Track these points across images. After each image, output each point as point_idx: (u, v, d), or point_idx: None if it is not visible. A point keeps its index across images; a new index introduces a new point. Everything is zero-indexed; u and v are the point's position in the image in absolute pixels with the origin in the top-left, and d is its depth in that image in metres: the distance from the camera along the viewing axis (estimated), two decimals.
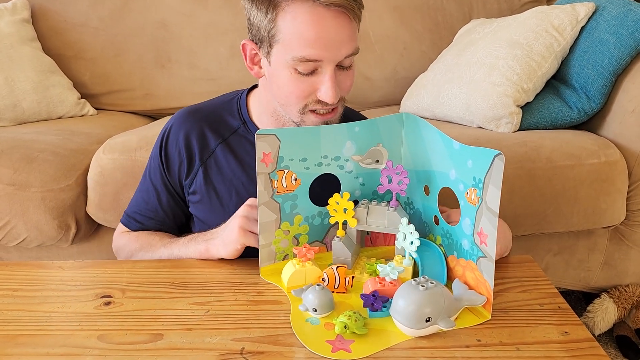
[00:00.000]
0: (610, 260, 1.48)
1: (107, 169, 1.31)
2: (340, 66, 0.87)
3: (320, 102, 0.88)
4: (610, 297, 1.47)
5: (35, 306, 0.76)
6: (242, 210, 0.85)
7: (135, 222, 1.06)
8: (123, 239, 1.06)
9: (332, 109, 0.90)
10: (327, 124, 0.89)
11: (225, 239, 0.86)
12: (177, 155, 1.00)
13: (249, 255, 0.87)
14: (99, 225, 1.41)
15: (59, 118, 1.72)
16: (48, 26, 1.85)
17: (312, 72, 0.85)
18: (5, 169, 1.30)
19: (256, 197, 0.82)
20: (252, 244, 0.84)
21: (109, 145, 1.36)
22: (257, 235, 0.83)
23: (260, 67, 0.92)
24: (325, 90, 0.85)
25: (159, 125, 1.48)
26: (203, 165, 0.99)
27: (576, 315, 0.74)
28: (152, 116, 1.91)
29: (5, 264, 0.90)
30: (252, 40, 0.90)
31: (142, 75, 1.86)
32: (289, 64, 0.85)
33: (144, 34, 1.87)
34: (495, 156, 0.67)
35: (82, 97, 1.80)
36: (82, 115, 1.77)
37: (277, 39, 0.84)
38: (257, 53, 0.91)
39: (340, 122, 0.86)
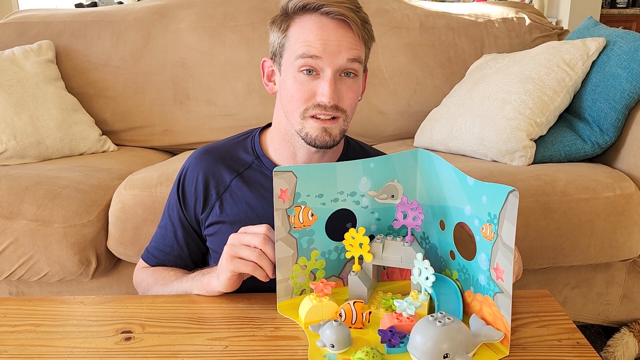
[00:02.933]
0: (630, 294, 1.46)
1: (128, 204, 1.34)
2: (343, 75, 0.92)
3: (319, 106, 0.92)
4: (630, 331, 1.45)
5: (58, 341, 0.77)
6: (230, 237, 0.86)
7: (153, 257, 1.08)
8: (141, 274, 1.09)
9: (332, 118, 0.93)
10: (327, 132, 0.93)
11: (217, 270, 0.87)
12: (193, 192, 1.03)
13: (251, 289, 0.89)
14: (118, 260, 1.43)
15: (81, 154, 1.77)
16: (72, 66, 1.91)
17: (315, 77, 0.91)
18: (30, 205, 1.34)
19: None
20: (241, 270, 0.84)
21: (130, 181, 1.39)
22: (247, 260, 0.83)
23: (275, 83, 1.00)
24: (322, 90, 0.90)
25: (178, 161, 1.51)
26: (219, 199, 1.02)
27: (595, 352, 0.74)
28: (171, 151, 1.95)
29: (28, 299, 0.91)
30: (270, 58, 0.99)
31: (162, 112, 1.91)
32: (293, 66, 0.92)
33: (163, 72, 1.92)
34: (510, 192, 0.68)
35: (103, 134, 1.85)
36: (104, 152, 1.82)
37: (286, 46, 0.93)
38: (273, 70, 0.99)
39: (355, 158, 0.87)
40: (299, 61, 0.91)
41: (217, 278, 0.87)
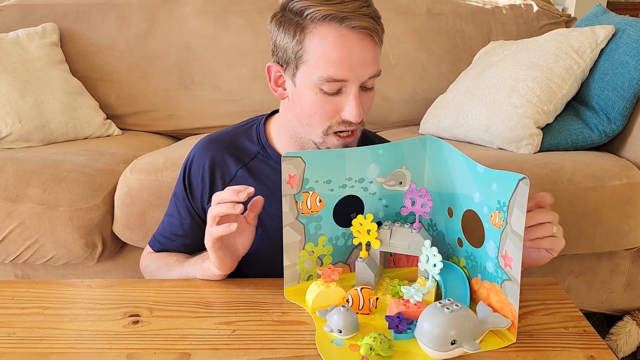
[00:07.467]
0: (634, 282, 1.46)
1: (134, 189, 1.34)
2: (363, 88, 0.89)
3: (343, 122, 0.89)
4: (633, 319, 1.45)
5: (65, 324, 0.78)
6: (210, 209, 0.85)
7: (158, 243, 1.09)
8: (146, 259, 1.10)
9: (352, 132, 0.91)
10: (347, 147, 0.91)
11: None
12: (200, 181, 1.03)
13: (245, 275, 0.89)
14: (124, 244, 1.43)
15: (86, 138, 1.77)
16: (76, 49, 1.90)
17: (337, 93, 0.87)
18: (35, 189, 1.34)
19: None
20: (221, 232, 0.82)
21: (136, 165, 1.39)
22: (214, 220, 0.82)
23: (284, 89, 0.94)
24: (350, 109, 0.87)
25: (183, 146, 1.51)
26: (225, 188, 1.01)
27: (602, 339, 0.74)
28: (176, 136, 1.95)
29: (35, 282, 0.92)
30: (278, 63, 0.92)
31: (166, 96, 1.90)
32: (314, 84, 0.87)
33: (168, 56, 1.91)
34: (520, 180, 0.68)
35: (107, 118, 1.85)
36: (108, 136, 1.82)
37: (304, 60, 0.87)
38: (281, 75, 0.93)
39: (361, 145, 0.87)
40: (324, 84, 0.86)
41: (208, 256, 0.88)
